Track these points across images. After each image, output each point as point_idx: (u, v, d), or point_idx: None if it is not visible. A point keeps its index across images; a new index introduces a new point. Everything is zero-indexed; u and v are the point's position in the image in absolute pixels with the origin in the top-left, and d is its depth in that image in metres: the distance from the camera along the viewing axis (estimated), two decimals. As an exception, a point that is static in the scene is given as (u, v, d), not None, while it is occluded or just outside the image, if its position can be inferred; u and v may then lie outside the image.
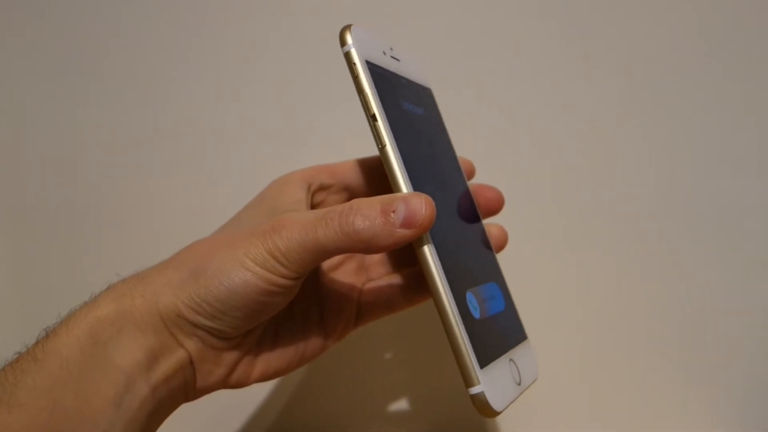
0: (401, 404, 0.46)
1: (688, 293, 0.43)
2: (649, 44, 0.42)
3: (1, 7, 0.47)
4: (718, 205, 0.42)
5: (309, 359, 0.30)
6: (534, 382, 0.28)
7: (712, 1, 0.41)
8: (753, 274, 0.42)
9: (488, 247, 0.31)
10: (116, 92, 0.46)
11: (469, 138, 0.42)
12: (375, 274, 0.34)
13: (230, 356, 0.27)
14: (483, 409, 0.23)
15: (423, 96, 0.31)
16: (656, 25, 0.41)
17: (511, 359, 0.26)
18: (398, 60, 0.28)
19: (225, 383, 0.27)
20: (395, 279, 0.32)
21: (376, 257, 0.34)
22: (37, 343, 0.23)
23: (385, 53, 0.27)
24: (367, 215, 0.24)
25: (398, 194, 0.24)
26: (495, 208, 0.33)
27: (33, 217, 0.49)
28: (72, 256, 0.49)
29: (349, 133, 0.39)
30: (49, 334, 0.23)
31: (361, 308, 0.32)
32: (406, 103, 0.28)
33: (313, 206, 0.30)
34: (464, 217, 0.30)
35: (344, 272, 0.33)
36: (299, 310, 0.30)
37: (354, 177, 0.32)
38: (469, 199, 0.32)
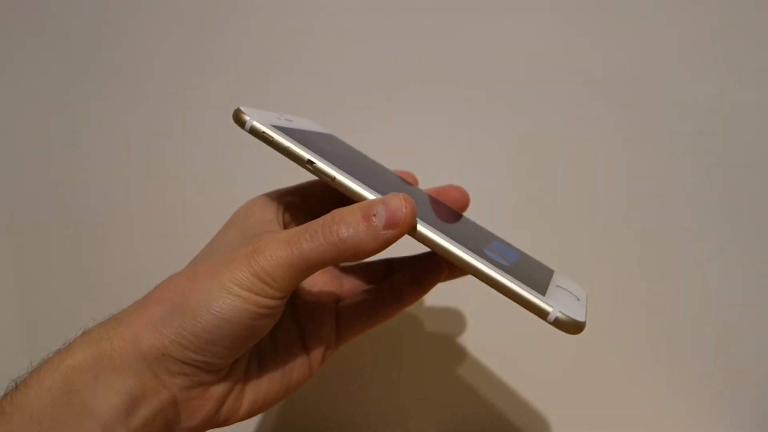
0: (408, 419, 0.46)
1: (688, 293, 0.43)
2: (648, 42, 0.40)
3: (3, 6, 0.46)
4: (718, 204, 0.41)
5: (296, 385, 0.30)
6: (587, 298, 0.28)
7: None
8: (753, 274, 0.42)
9: (472, 222, 0.33)
10: (117, 92, 0.46)
11: (469, 136, 0.41)
12: (348, 286, 0.34)
13: (219, 389, 0.26)
14: (568, 326, 0.23)
15: (333, 139, 0.33)
16: (655, 23, 0.40)
17: (557, 285, 0.27)
18: (291, 121, 0.30)
19: (214, 420, 0.27)
20: (370, 292, 0.33)
21: (349, 272, 0.34)
22: (5, 395, 0.22)
23: (279, 118, 0.29)
24: (350, 223, 0.24)
25: (377, 198, 0.25)
26: (462, 203, 0.34)
27: (33, 217, 0.49)
28: (72, 256, 0.48)
29: (351, 134, 0.39)
30: (19, 386, 0.23)
31: (340, 324, 0.32)
32: (324, 146, 0.29)
33: (284, 225, 0.29)
34: (437, 205, 0.31)
35: (318, 288, 0.33)
36: (281, 333, 0.30)
37: (320, 193, 0.32)
38: (431, 196, 0.33)
